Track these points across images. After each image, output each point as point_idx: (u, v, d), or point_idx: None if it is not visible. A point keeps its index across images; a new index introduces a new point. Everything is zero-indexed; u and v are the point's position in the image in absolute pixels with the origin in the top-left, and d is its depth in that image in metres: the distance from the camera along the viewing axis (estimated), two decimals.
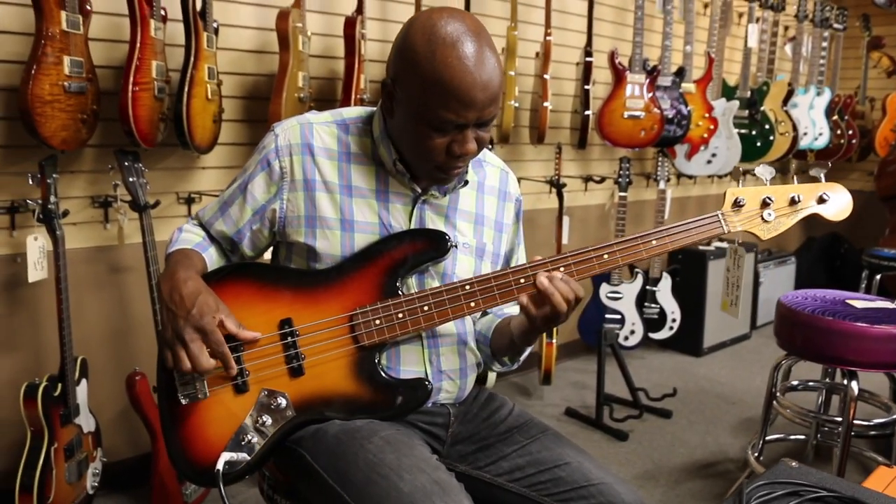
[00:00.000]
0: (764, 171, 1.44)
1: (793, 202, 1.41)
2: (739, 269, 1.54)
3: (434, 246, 1.37)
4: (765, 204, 1.41)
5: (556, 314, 1.30)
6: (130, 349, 2.57)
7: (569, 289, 1.30)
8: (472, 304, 1.34)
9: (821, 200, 1.42)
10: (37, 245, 2.16)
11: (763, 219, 1.41)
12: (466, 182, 1.45)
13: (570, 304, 1.30)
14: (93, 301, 2.48)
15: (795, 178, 1.46)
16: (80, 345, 2.28)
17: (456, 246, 1.42)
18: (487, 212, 1.51)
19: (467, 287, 1.34)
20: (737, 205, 1.40)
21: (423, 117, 1.25)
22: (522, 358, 1.54)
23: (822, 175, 1.45)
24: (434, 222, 1.43)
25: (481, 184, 1.51)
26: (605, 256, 1.35)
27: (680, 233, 1.38)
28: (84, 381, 2.24)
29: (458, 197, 1.47)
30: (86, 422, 2.25)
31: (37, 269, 2.16)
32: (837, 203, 1.42)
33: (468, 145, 1.28)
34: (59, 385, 2.13)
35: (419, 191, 1.40)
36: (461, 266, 1.44)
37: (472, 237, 1.47)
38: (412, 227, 1.41)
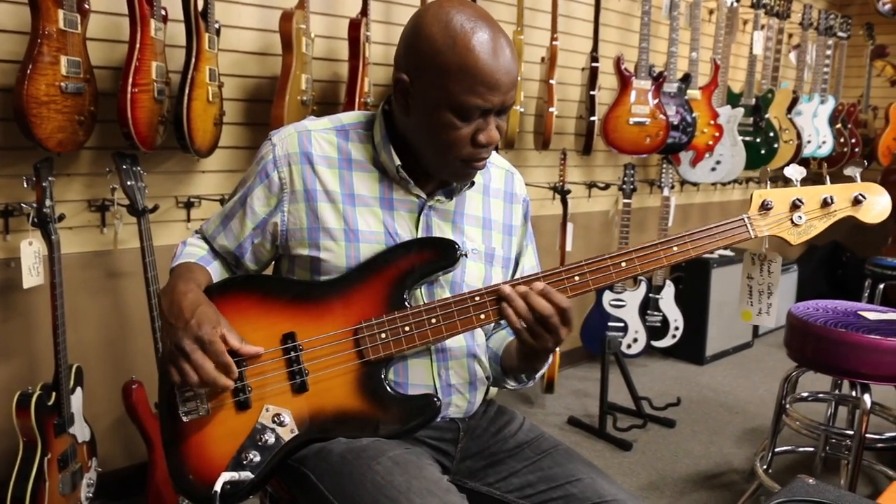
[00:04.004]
0: (794, 171, 1.37)
1: (825, 204, 1.34)
2: (771, 275, 1.48)
3: (443, 255, 1.33)
4: (794, 206, 1.34)
5: (532, 329, 1.26)
6: (126, 356, 2.52)
7: (525, 306, 1.24)
8: (483, 316, 1.30)
9: (856, 201, 1.35)
10: (32, 250, 2.10)
11: (793, 222, 1.34)
12: (473, 183, 1.41)
13: (549, 318, 1.24)
14: (88, 307, 2.43)
15: (828, 178, 1.39)
16: (74, 352, 2.22)
17: (465, 255, 1.37)
18: (494, 215, 1.47)
19: (477, 298, 1.30)
20: (764, 207, 1.34)
21: (449, 106, 1.23)
22: (538, 376, 1.48)
23: (857, 174, 1.38)
24: (441, 229, 1.39)
25: (487, 186, 1.47)
26: (623, 264, 1.30)
27: (703, 238, 1.32)
28: (79, 389, 2.18)
29: (465, 200, 1.42)
30: (80, 431, 2.19)
31: (32, 274, 2.11)
32: (875, 204, 1.34)
33: (491, 132, 1.26)
34: (54, 394, 2.07)
35: (424, 197, 1.36)
36: (471, 273, 1.39)
37: (480, 242, 1.42)
38: (419, 234, 1.36)
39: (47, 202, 2.03)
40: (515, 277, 1.40)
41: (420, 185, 1.36)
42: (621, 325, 3.69)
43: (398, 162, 1.33)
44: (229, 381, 1.22)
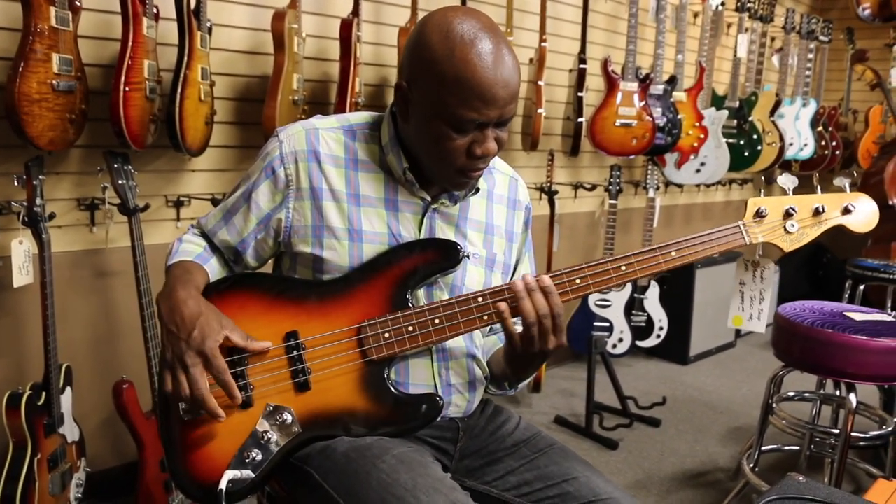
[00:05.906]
0: (787, 180, 1.40)
1: (817, 213, 1.37)
2: (764, 281, 1.51)
3: (445, 256, 1.33)
4: (788, 214, 1.37)
5: (528, 330, 1.25)
6: (116, 356, 2.50)
7: (544, 303, 1.24)
8: (486, 317, 1.30)
9: (846, 211, 1.38)
10: (22, 249, 2.08)
11: (786, 230, 1.37)
12: (478, 189, 1.42)
13: (543, 320, 1.24)
14: (78, 306, 2.41)
15: (819, 188, 1.42)
16: (64, 351, 2.20)
17: (468, 256, 1.38)
18: (497, 221, 1.47)
19: (479, 299, 1.30)
20: (759, 215, 1.36)
21: (443, 118, 1.21)
22: (521, 386, 1.50)
23: (846, 185, 1.42)
24: (444, 232, 1.39)
25: (490, 192, 1.48)
26: (623, 268, 1.32)
27: (700, 244, 1.34)
28: (69, 389, 2.16)
29: (469, 206, 1.43)
30: (70, 431, 2.17)
31: (22, 273, 2.09)
32: (863, 214, 1.38)
33: (488, 145, 1.25)
34: (44, 393, 2.06)
35: (429, 199, 1.37)
36: (471, 278, 1.40)
37: (482, 247, 1.43)
38: (422, 236, 1.37)
39: (38, 201, 2.01)
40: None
41: (425, 188, 1.36)
42: (607, 324, 3.72)
43: (406, 164, 1.33)
44: (218, 410, 1.21)
